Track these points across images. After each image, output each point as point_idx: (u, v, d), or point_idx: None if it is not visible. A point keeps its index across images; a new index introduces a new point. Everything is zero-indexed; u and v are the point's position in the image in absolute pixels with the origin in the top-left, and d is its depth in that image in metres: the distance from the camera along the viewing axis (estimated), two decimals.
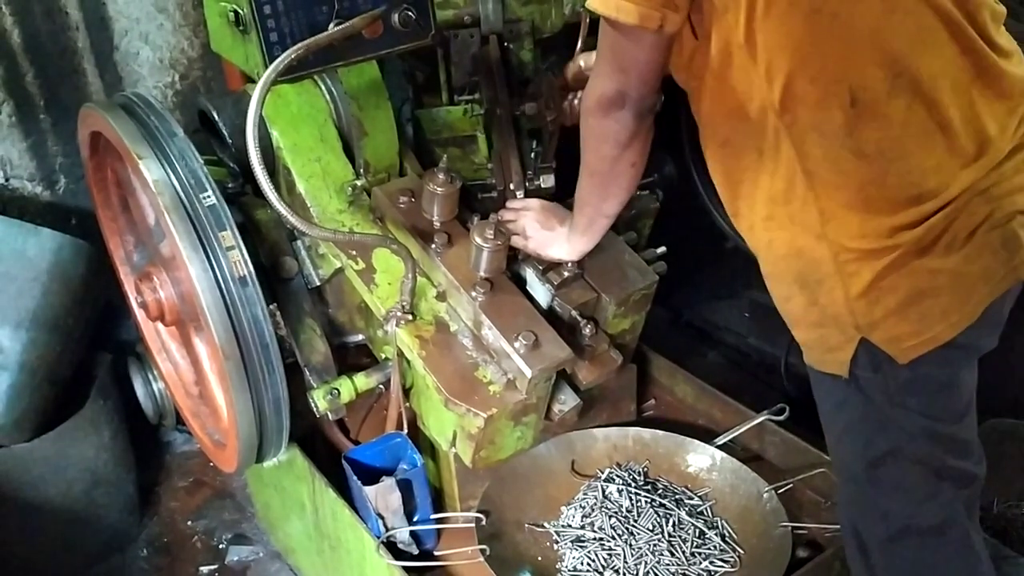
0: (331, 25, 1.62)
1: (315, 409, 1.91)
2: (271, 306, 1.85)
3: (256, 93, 1.49)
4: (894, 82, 1.31)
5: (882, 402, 1.44)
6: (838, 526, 1.84)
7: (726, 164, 1.48)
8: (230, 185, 2.00)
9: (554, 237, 1.83)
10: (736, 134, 1.43)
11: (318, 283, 1.98)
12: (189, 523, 2.61)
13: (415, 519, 1.89)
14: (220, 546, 2.53)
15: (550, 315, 1.84)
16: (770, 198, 1.42)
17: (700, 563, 1.80)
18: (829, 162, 1.34)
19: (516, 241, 1.85)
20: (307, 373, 1.94)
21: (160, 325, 2.05)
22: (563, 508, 1.94)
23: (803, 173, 1.36)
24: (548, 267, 1.87)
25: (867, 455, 1.49)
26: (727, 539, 1.86)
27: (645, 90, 1.46)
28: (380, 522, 1.84)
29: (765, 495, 1.90)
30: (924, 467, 1.47)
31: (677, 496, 1.94)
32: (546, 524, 1.91)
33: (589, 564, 1.80)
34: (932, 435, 1.45)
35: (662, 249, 2.09)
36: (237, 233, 1.64)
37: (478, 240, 1.77)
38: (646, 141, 1.57)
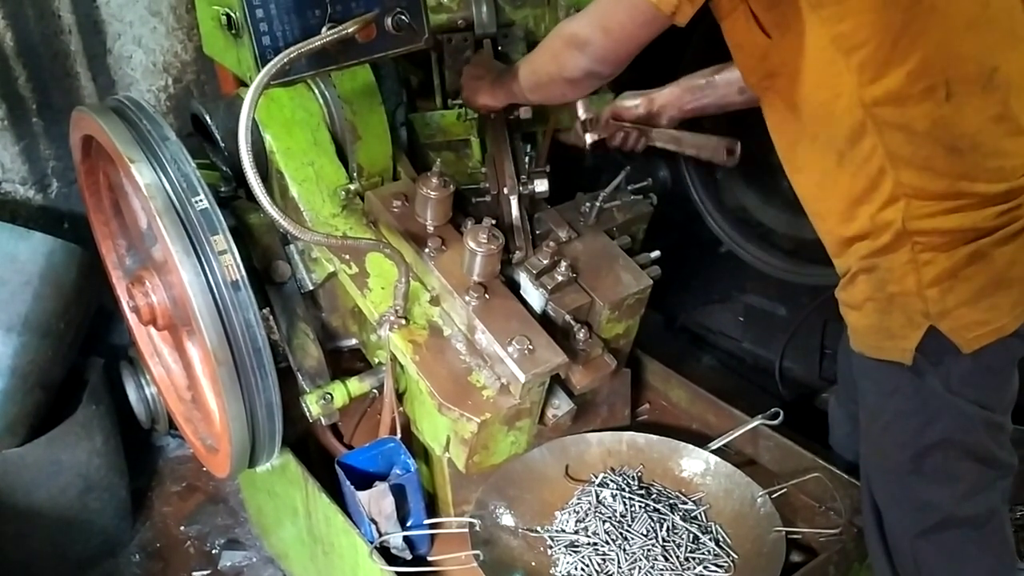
0: (324, 29, 1.61)
1: (308, 414, 1.90)
2: (264, 310, 1.84)
3: (248, 97, 1.49)
4: (991, 76, 1.31)
5: (940, 391, 1.43)
6: (832, 530, 1.85)
7: (803, 166, 1.47)
8: (223, 189, 1.99)
9: (480, 86, 1.88)
10: (815, 135, 1.41)
11: (311, 287, 1.98)
12: (182, 528, 2.61)
13: (408, 524, 1.89)
14: (213, 551, 2.53)
15: (544, 319, 1.84)
16: (849, 197, 1.41)
17: (694, 568, 1.79)
18: (920, 159, 1.33)
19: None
20: (300, 377, 1.94)
21: (152, 329, 2.04)
22: (557, 513, 1.93)
23: (890, 171, 1.35)
24: (542, 271, 1.86)
25: (916, 444, 1.48)
26: (721, 544, 1.85)
27: (612, 61, 1.46)
28: (373, 527, 1.83)
29: (759, 500, 1.90)
30: (974, 457, 1.46)
31: (671, 501, 1.94)
32: (540, 529, 1.91)
33: (583, 569, 1.80)
34: (986, 425, 1.45)
35: (656, 253, 2.09)
36: (230, 237, 1.63)
37: (471, 244, 1.77)
38: (585, 91, 1.64)
